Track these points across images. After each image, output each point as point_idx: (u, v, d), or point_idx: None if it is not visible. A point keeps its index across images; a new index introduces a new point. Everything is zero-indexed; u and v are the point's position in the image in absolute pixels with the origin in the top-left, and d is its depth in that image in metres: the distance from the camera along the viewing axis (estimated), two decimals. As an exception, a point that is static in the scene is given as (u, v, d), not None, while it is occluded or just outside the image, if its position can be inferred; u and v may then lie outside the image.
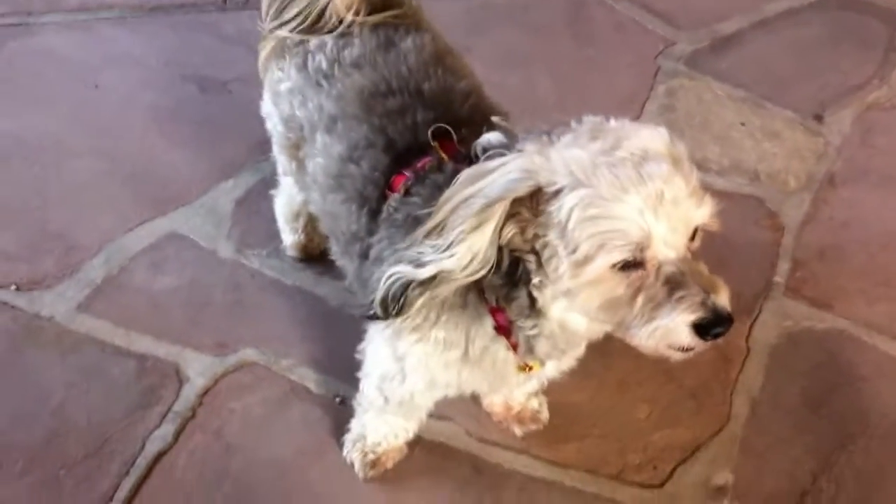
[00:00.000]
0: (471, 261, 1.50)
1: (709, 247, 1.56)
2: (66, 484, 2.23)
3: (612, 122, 1.53)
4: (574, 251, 1.46)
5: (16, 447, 2.27)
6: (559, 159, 1.46)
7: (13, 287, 2.59)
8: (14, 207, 2.80)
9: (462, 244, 1.48)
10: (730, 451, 2.43)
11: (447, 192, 1.51)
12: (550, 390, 2.37)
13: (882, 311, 2.81)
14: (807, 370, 2.64)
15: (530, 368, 1.84)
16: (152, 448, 2.29)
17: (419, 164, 1.82)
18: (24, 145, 2.98)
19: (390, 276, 1.54)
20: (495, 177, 1.47)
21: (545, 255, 1.52)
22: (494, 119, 1.70)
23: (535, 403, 2.40)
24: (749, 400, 2.54)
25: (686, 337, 1.49)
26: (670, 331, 1.49)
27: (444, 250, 1.49)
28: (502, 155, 1.52)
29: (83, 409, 2.35)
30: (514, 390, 2.31)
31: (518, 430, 2.40)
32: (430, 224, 1.52)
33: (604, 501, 2.31)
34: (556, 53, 3.58)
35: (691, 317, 1.47)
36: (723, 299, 1.50)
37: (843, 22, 3.90)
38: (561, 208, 1.45)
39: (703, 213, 1.48)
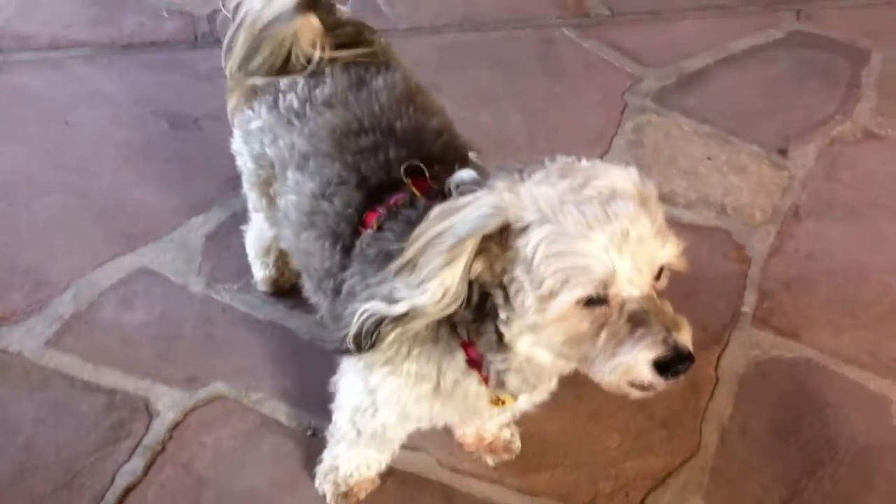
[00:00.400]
0: (443, 296, 1.52)
1: (677, 279, 1.58)
2: (34, 520, 2.21)
3: (584, 162, 1.56)
4: (539, 286, 1.48)
5: (-16, 483, 2.25)
6: (528, 196, 1.48)
7: (-19, 323, 2.57)
8: (-20, 244, 2.79)
9: (434, 280, 1.50)
10: (700, 479, 2.44)
11: (418, 228, 1.53)
12: (523, 420, 2.37)
13: (848, 340, 2.84)
14: (775, 399, 2.66)
15: (503, 402, 1.85)
16: (122, 482, 2.28)
17: (392, 201, 1.84)
18: (-10, 182, 2.98)
19: (363, 313, 1.56)
20: (466, 213, 1.49)
21: (512, 290, 1.54)
22: (470, 155, 1.73)
23: (507, 434, 2.40)
24: (719, 428, 2.56)
25: (646, 374, 1.51)
26: (631, 367, 1.50)
27: (417, 286, 1.51)
28: (473, 191, 1.54)
29: (52, 444, 2.33)
30: (487, 422, 2.32)
31: (490, 461, 2.40)
32: (401, 260, 1.54)
33: (576, 530, 2.31)
34: (525, 90, 3.63)
35: (651, 354, 1.49)
36: (684, 337, 1.52)
37: (807, 59, 4.00)
38: (528, 244, 1.47)
39: (667, 252, 1.51)
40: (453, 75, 3.60)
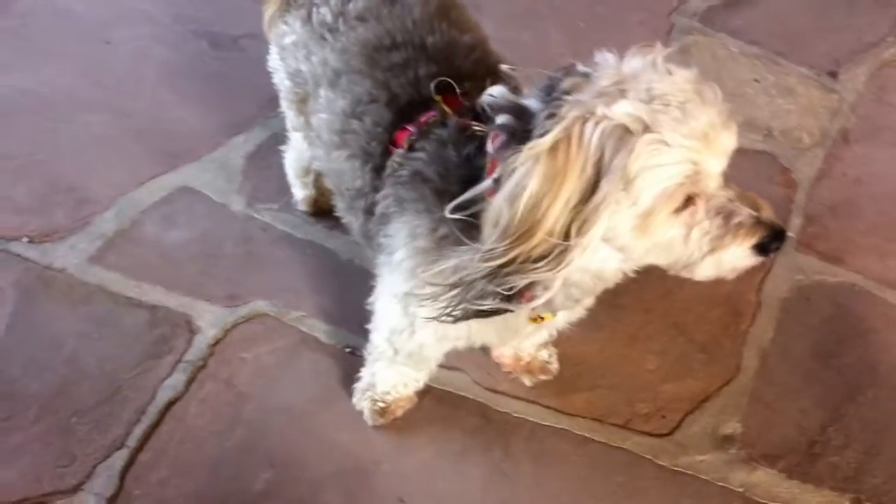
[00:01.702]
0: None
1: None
2: (77, 431, 2.24)
3: (625, 67, 1.50)
4: (636, 202, 1.45)
5: (28, 395, 2.29)
6: (623, 109, 1.41)
7: (25, 239, 2.60)
8: (25, 161, 2.80)
9: (597, 240, 1.50)
10: (739, 402, 2.44)
11: (521, 203, 1.44)
12: (560, 341, 2.38)
13: (893, 265, 2.81)
14: (817, 323, 2.64)
15: (542, 319, 1.83)
16: (164, 396, 2.31)
17: (422, 119, 1.81)
18: (36, 99, 2.98)
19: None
20: (596, 154, 1.41)
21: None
22: (503, 67, 1.69)
23: (544, 354, 2.40)
24: (759, 352, 2.54)
25: (750, 259, 1.55)
26: (735, 257, 1.54)
27: (585, 250, 1.49)
28: (513, 119, 1.51)
29: (95, 358, 2.37)
30: (524, 342, 2.32)
31: (528, 381, 2.41)
32: (527, 245, 1.46)
33: (612, 449, 2.32)
34: (568, 10, 3.55)
35: (752, 240, 1.52)
36: (770, 214, 1.55)
37: (858, -23, 3.87)
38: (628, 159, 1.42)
39: (735, 136, 1.50)
40: None
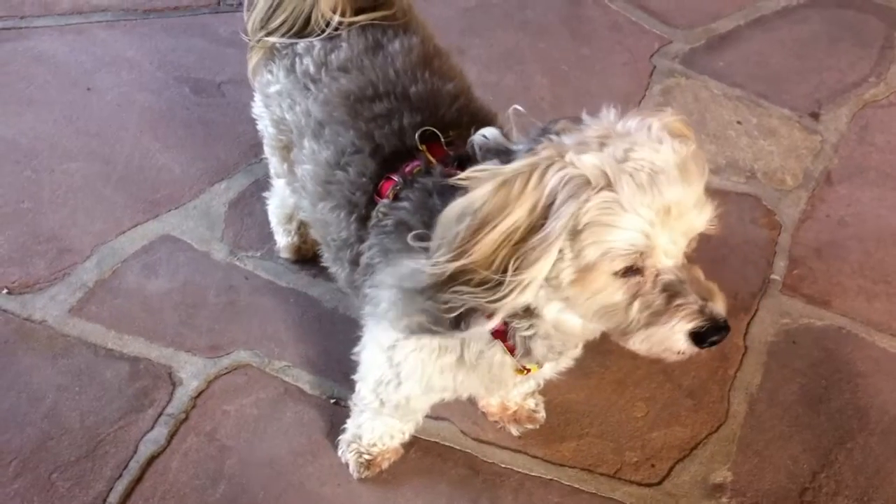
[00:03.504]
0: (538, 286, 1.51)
1: (706, 246, 1.56)
2: (59, 486, 2.21)
3: (618, 126, 1.50)
4: (578, 255, 1.44)
5: (8, 450, 2.25)
6: (591, 162, 1.41)
7: (4, 290, 2.57)
8: (6, 210, 2.78)
9: (537, 280, 1.48)
10: (728, 449, 2.42)
11: (470, 218, 1.44)
12: (547, 389, 2.36)
13: (880, 307, 2.80)
14: (805, 368, 2.62)
15: (528, 371, 1.82)
16: (145, 450, 2.28)
17: (407, 169, 1.80)
18: (17, 148, 2.96)
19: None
20: (551, 196, 1.42)
21: None
22: (515, 108, 1.66)
23: (531, 403, 2.38)
24: (747, 398, 2.53)
25: (683, 344, 1.50)
26: (667, 338, 1.49)
27: (512, 292, 1.47)
28: (501, 154, 1.51)
29: (76, 411, 2.33)
30: (511, 392, 2.29)
31: (515, 430, 2.38)
32: (461, 262, 1.46)
33: (601, 500, 2.29)
34: (551, 53, 3.56)
35: (689, 325, 1.48)
36: (719, 307, 1.51)
37: (839, 19, 3.90)
38: (580, 213, 1.42)
39: (703, 219, 1.48)
40: (479, 38, 3.54)
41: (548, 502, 2.28)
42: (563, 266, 1.47)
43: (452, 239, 1.46)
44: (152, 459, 2.26)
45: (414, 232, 1.58)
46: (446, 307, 1.51)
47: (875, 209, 3.11)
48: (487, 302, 1.48)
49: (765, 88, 3.52)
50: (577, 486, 2.31)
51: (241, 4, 3.46)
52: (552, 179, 1.41)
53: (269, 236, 2.71)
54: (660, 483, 2.34)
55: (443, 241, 1.48)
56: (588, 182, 1.40)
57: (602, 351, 2.43)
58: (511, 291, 1.46)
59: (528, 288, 1.47)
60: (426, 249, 1.53)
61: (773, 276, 2.84)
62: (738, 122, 3.36)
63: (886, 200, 3.14)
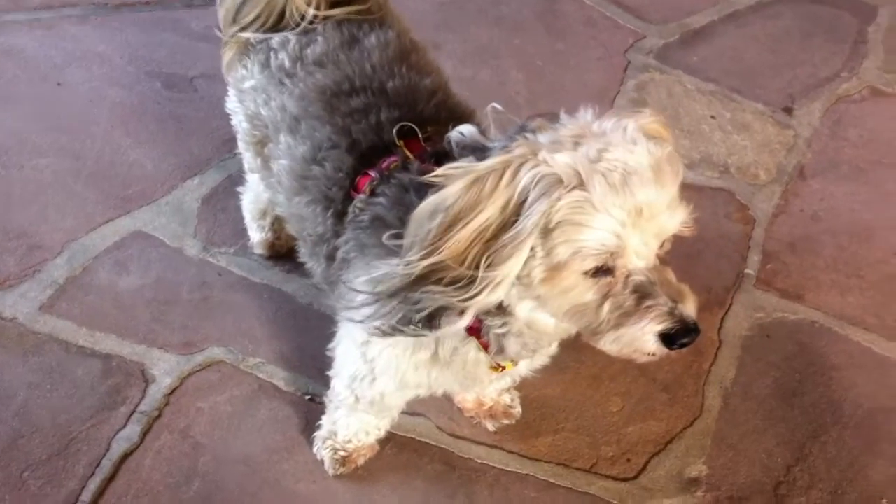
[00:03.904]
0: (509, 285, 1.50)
1: (680, 241, 1.55)
2: (30, 485, 2.18)
3: (594, 126, 1.49)
4: (549, 254, 1.43)
5: (-22, 449, 2.23)
6: (563, 160, 1.41)
7: (-26, 288, 2.54)
8: (-27, 207, 2.75)
9: (508, 278, 1.47)
10: (703, 443, 2.42)
11: (442, 214, 1.44)
12: (523, 385, 2.35)
13: (853, 301, 2.81)
14: (779, 361, 2.63)
15: (503, 368, 1.81)
16: (118, 448, 2.25)
17: (384, 164, 1.79)
18: (-16, 144, 2.93)
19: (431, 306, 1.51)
20: (523, 193, 1.41)
21: None
22: (493, 106, 1.65)
23: (507, 398, 2.38)
24: (722, 392, 2.53)
25: (652, 345, 1.49)
26: (637, 339, 1.49)
27: (483, 290, 1.46)
28: (478, 151, 1.50)
29: (47, 409, 2.31)
30: (486, 388, 2.29)
31: (490, 426, 2.37)
32: (433, 259, 1.45)
33: (577, 494, 2.29)
34: (526, 48, 3.56)
35: (658, 327, 1.47)
36: (690, 309, 1.50)
37: (812, 15, 3.92)
38: (552, 211, 1.41)
39: (676, 222, 1.47)
40: (454, 33, 3.53)
41: (524, 497, 2.28)
42: (535, 264, 1.46)
43: (424, 236, 1.46)
44: (125, 457, 2.24)
45: (390, 231, 1.56)
46: (417, 307, 1.50)
47: (848, 203, 3.13)
48: (459, 300, 1.47)
49: (738, 83, 3.54)
50: (552, 480, 2.31)
51: (213, -1, 3.49)
52: (525, 177, 1.41)
53: (242, 232, 2.69)
54: (636, 477, 2.34)
55: (415, 238, 1.47)
56: (560, 181, 1.39)
57: (577, 346, 2.38)
58: (483, 289, 1.45)
59: (500, 286, 1.47)
60: (401, 248, 1.53)
61: (746, 271, 2.85)
62: (712, 117, 3.37)
63: (859, 195, 3.16)
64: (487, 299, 1.48)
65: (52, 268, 2.60)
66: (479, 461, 2.33)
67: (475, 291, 1.46)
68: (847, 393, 2.57)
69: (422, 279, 1.47)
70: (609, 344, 1.51)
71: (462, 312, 1.52)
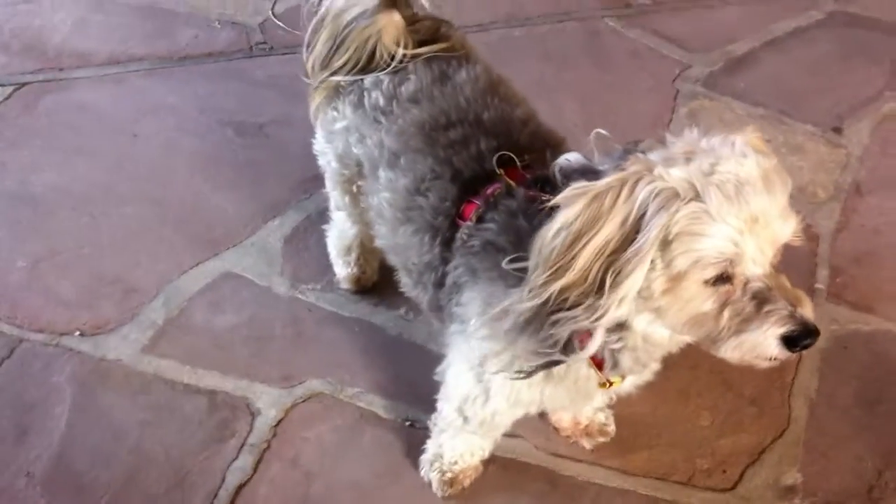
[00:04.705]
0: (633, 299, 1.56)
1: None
2: (152, 519, 2.25)
3: (703, 142, 1.58)
4: (669, 265, 1.49)
5: (99, 485, 2.29)
6: (679, 174, 1.47)
7: (77, 333, 2.62)
8: (69, 255, 2.84)
9: (631, 292, 1.52)
10: (794, 453, 2.47)
11: (564, 235, 1.49)
12: (613, 403, 2.40)
13: (921, 311, 2.87)
14: (858, 371, 2.69)
15: (611, 384, 1.87)
16: (233, 480, 2.32)
17: (489, 192, 1.86)
18: (71, 196, 3.03)
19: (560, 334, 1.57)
20: (642, 208, 1.47)
21: None
22: (598, 132, 1.72)
23: (602, 417, 2.43)
24: (807, 402, 2.58)
25: (775, 349, 1.54)
26: (759, 344, 1.53)
27: (611, 308, 1.52)
28: (587, 176, 1.54)
29: (160, 445, 2.38)
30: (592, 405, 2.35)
31: (587, 444, 2.43)
32: (560, 282, 1.51)
33: (678, 507, 2.35)
34: (577, 81, 3.66)
35: (781, 330, 1.52)
36: (808, 311, 1.55)
37: (848, 38, 4.01)
38: (670, 224, 1.47)
39: (789, 230, 1.53)
40: (505, 70, 3.53)
41: (628, 511, 2.34)
42: (655, 276, 1.52)
43: (548, 257, 1.51)
44: (240, 488, 2.31)
45: (509, 257, 1.63)
46: (551, 336, 1.56)
47: (905, 218, 3.20)
48: (588, 321, 1.53)
49: (786, 106, 3.61)
50: (654, 494, 2.36)
51: (272, 48, 3.62)
52: (642, 192, 1.47)
53: (327, 268, 2.77)
54: (733, 488, 2.39)
55: (539, 260, 1.53)
56: (677, 194, 1.46)
57: (663, 363, 2.49)
58: (609, 307, 1.51)
59: (624, 301, 1.52)
60: (521, 271, 1.58)
61: (817, 286, 2.91)
62: (767, 140, 3.43)
63: (915, 209, 3.24)
64: (614, 316, 1.54)
65: (149, 310, 2.69)
66: (580, 478, 2.38)
67: (602, 310, 1.52)
68: (927, 399, 2.63)
69: (549, 305, 1.53)
70: (731, 351, 1.56)
71: (590, 333, 1.59)
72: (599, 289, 1.50)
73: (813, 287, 2.90)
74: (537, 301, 1.54)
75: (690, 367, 2.61)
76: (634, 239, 1.48)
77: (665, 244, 1.49)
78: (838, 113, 3.61)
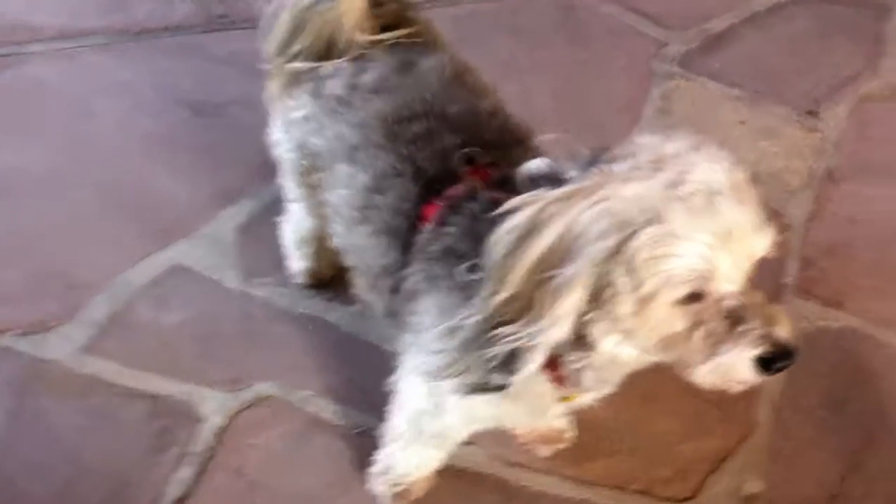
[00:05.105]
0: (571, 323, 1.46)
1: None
2: (88, 532, 2.17)
3: (668, 148, 1.46)
4: (638, 288, 1.40)
5: (31, 497, 2.21)
6: (633, 194, 1.37)
7: (15, 331, 2.52)
8: (9, 246, 2.73)
9: (567, 317, 1.43)
10: (758, 459, 2.41)
11: (505, 245, 1.42)
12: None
13: (894, 306, 2.79)
14: (826, 371, 2.62)
15: (570, 399, 1.79)
16: (173, 491, 2.23)
17: (451, 193, 1.76)
18: (14, 179, 2.90)
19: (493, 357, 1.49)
20: (578, 228, 1.38)
21: (606, 293, 1.44)
22: (543, 140, 1.64)
23: (560, 423, 2.35)
24: (772, 405, 2.51)
25: (748, 372, 1.46)
26: (732, 366, 1.45)
27: (548, 327, 1.43)
28: (552, 188, 1.45)
29: (98, 453, 2.29)
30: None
31: (545, 451, 2.36)
32: (501, 295, 1.43)
33: (637, 518, 2.28)
34: (549, 60, 3.54)
35: (755, 351, 1.44)
36: (785, 331, 1.48)
37: (827, 14, 3.88)
38: (632, 247, 1.37)
39: (764, 245, 1.44)
40: (475, 47, 3.42)
41: (583, 524, 2.27)
42: (622, 299, 1.42)
43: (492, 267, 1.44)
44: (181, 500, 2.22)
45: (465, 265, 1.54)
46: (492, 352, 1.48)
47: (881, 206, 3.10)
48: (525, 340, 1.44)
49: (762, 87, 3.50)
50: (611, 504, 2.30)
51: (233, 22, 3.48)
52: (587, 212, 1.38)
53: (281, 262, 2.66)
54: (693, 497, 2.33)
55: (488, 271, 1.45)
56: (623, 219, 1.36)
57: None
58: (545, 326, 1.43)
59: (561, 322, 1.43)
60: (478, 281, 1.49)
61: (786, 279, 2.83)
62: (741, 123, 3.36)
63: (891, 196, 3.14)
64: (552, 337, 1.45)
65: (92, 306, 2.58)
66: (535, 489, 2.31)
67: (538, 328, 1.43)
68: (894, 399, 2.56)
69: (494, 319, 1.45)
70: (706, 375, 1.47)
71: (532, 352, 1.50)
72: (535, 306, 1.42)
73: (781, 282, 2.82)
74: (484, 315, 1.46)
75: (654, 369, 2.51)
76: (570, 258, 1.39)
77: (630, 269, 1.39)
78: (815, 95, 3.50)
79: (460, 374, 1.56)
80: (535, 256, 1.40)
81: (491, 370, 1.52)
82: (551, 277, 1.40)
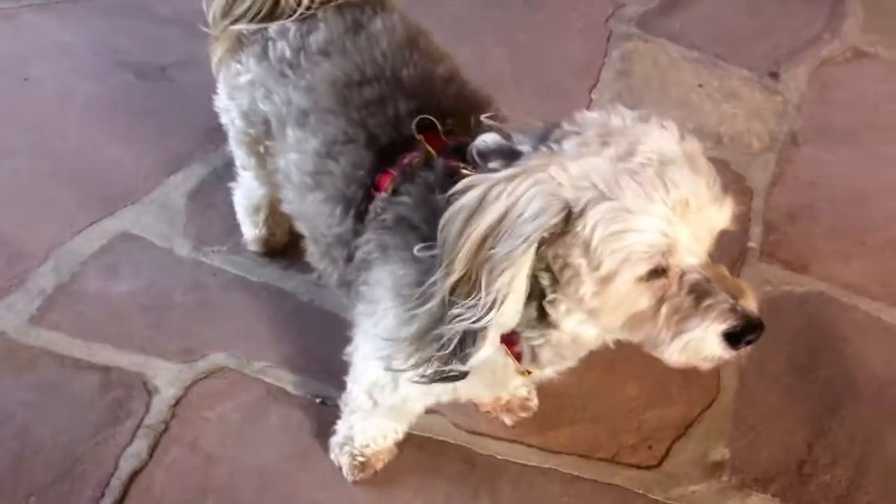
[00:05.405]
0: (515, 303, 1.40)
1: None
2: (37, 510, 2.07)
3: (615, 120, 1.41)
4: (597, 268, 1.35)
5: (-22, 475, 2.11)
6: (578, 172, 1.33)
7: (-43, 303, 2.40)
8: (-50, 215, 2.61)
9: (509, 298, 1.38)
10: (723, 426, 2.37)
11: (453, 221, 1.37)
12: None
13: (857, 270, 2.78)
14: (790, 336, 2.59)
15: (530, 373, 1.74)
16: (127, 466, 2.14)
17: (405, 161, 1.69)
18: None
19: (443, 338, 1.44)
20: (518, 206, 1.33)
21: (565, 274, 1.41)
22: (485, 119, 1.57)
23: (523, 391, 2.30)
24: (737, 370, 2.48)
25: (717, 347, 1.41)
26: (700, 343, 1.40)
27: (491, 308, 1.38)
28: (503, 163, 1.40)
29: (47, 429, 2.19)
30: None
31: (508, 420, 2.31)
32: (453, 276, 1.38)
33: (603, 486, 2.23)
34: (505, 21, 3.47)
35: (722, 326, 1.39)
36: (751, 303, 1.44)
37: (788, -24, 3.87)
38: (585, 226, 1.33)
39: (724, 216, 1.39)
40: (428, 10, 3.36)
41: (549, 492, 2.22)
42: (582, 280, 1.38)
43: (441, 247, 1.39)
44: (135, 475, 2.13)
45: (421, 244, 1.48)
46: (446, 336, 1.43)
47: (842, 169, 3.09)
48: (473, 321, 1.39)
49: (722, 49, 3.48)
50: (576, 473, 2.25)
51: (179, -20, 3.35)
52: (528, 191, 1.33)
53: (234, 229, 2.58)
54: (659, 465, 2.29)
55: (440, 251, 1.40)
56: (564, 200, 1.33)
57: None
58: (490, 307, 1.38)
59: (506, 303, 1.38)
60: (432, 259, 1.44)
61: (750, 244, 2.80)
62: (700, 86, 3.32)
63: (852, 160, 3.13)
64: (500, 319, 1.40)
65: (38, 276, 2.47)
66: (499, 457, 2.26)
67: (485, 310, 1.38)
68: (860, 365, 2.54)
69: (447, 302, 1.40)
70: (676, 355, 1.43)
71: (483, 334, 1.44)
72: (481, 287, 1.37)
73: (746, 246, 2.78)
74: (438, 298, 1.41)
75: (618, 335, 2.50)
76: (509, 238, 1.34)
77: (587, 249, 1.34)
78: (775, 57, 3.49)
79: (419, 366, 1.51)
80: (478, 236, 1.35)
81: (448, 359, 1.47)
82: (490, 257, 1.35)
